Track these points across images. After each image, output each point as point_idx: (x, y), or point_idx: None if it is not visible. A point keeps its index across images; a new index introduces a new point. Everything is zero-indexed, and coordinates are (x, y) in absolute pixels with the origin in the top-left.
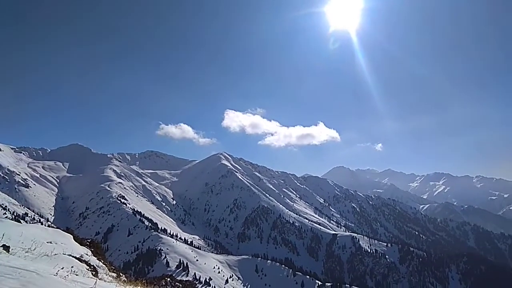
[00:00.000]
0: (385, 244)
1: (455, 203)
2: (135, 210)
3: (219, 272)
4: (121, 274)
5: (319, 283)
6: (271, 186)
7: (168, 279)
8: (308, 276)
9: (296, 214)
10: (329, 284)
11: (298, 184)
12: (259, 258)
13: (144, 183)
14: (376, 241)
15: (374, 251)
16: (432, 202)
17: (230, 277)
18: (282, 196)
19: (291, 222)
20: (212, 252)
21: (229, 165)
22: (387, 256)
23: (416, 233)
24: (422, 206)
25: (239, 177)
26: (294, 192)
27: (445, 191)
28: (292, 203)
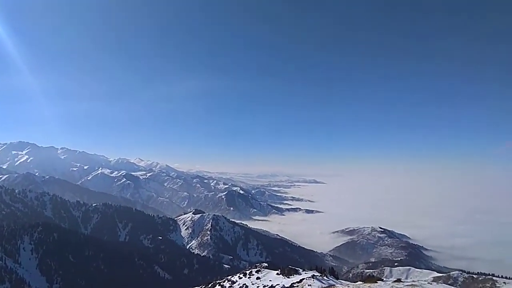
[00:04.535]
0: None
1: (37, 174)
2: None
3: None
4: None
5: None
6: None
7: None
8: None
9: None
10: None
11: None
12: None
13: None
14: None
15: None
16: (12, 172)
17: None
18: None
19: None
20: None
21: None
22: None
23: None
24: (0, 176)
25: None
26: None
27: (28, 161)
28: None
